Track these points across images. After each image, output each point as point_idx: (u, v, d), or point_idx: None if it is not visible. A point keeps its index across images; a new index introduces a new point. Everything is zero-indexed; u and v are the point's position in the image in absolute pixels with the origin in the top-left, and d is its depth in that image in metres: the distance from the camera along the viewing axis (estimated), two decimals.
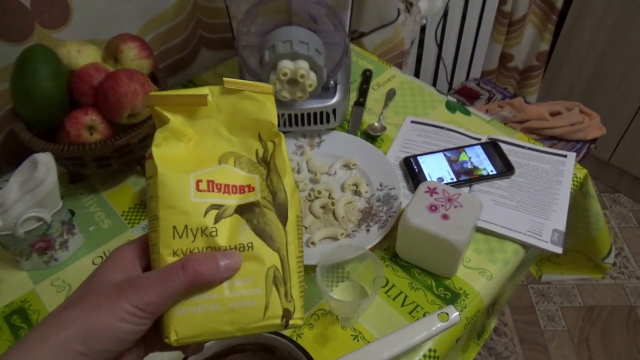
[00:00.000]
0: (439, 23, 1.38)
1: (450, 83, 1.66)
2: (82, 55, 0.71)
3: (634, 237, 1.73)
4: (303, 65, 0.64)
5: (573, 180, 0.77)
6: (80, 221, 0.74)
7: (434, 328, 0.54)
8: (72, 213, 0.75)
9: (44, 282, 0.67)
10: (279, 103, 0.74)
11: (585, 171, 0.79)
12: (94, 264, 0.69)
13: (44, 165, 0.62)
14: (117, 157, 0.71)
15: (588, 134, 1.40)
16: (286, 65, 0.64)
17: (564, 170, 0.77)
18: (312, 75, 0.66)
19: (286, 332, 0.61)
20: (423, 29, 1.35)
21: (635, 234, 1.74)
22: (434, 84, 1.59)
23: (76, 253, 0.70)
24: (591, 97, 1.74)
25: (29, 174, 0.62)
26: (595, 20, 1.60)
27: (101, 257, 0.70)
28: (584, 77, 1.74)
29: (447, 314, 0.55)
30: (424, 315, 0.62)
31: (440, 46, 1.47)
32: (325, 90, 0.78)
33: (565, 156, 0.80)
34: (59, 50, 0.70)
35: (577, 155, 1.39)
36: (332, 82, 0.78)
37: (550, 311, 1.56)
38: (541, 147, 0.81)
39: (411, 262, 0.68)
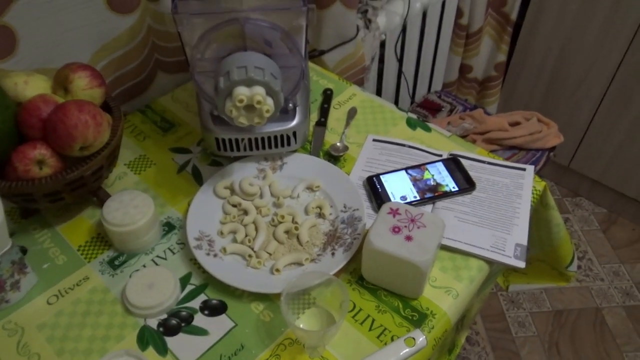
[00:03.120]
0: (398, 38, 1.40)
1: (413, 96, 1.68)
2: (29, 86, 0.68)
3: (596, 240, 1.77)
4: (259, 91, 0.63)
5: (533, 193, 0.78)
6: (33, 259, 0.71)
7: (401, 353, 0.54)
8: (24, 251, 0.71)
9: None
10: (238, 127, 0.73)
11: (544, 183, 0.81)
12: (48, 303, 0.66)
13: None
14: (69, 191, 0.68)
15: (547, 143, 1.43)
16: (242, 92, 0.63)
17: (524, 184, 0.78)
18: (269, 101, 0.65)
19: None
20: (383, 44, 1.36)
21: (597, 236, 1.79)
22: (396, 98, 1.60)
23: (30, 293, 0.67)
24: (549, 105, 1.79)
25: None
26: (549, 30, 1.65)
27: (56, 295, 0.67)
28: (540, 86, 1.79)
29: (413, 338, 0.54)
30: (392, 339, 0.61)
31: (400, 60, 1.49)
32: (285, 112, 0.77)
33: (524, 169, 0.81)
34: (4, 82, 0.67)
35: (537, 164, 1.42)
36: (290, 104, 0.77)
37: (520, 317, 1.58)
38: (501, 161, 0.82)
39: (377, 284, 0.67)
